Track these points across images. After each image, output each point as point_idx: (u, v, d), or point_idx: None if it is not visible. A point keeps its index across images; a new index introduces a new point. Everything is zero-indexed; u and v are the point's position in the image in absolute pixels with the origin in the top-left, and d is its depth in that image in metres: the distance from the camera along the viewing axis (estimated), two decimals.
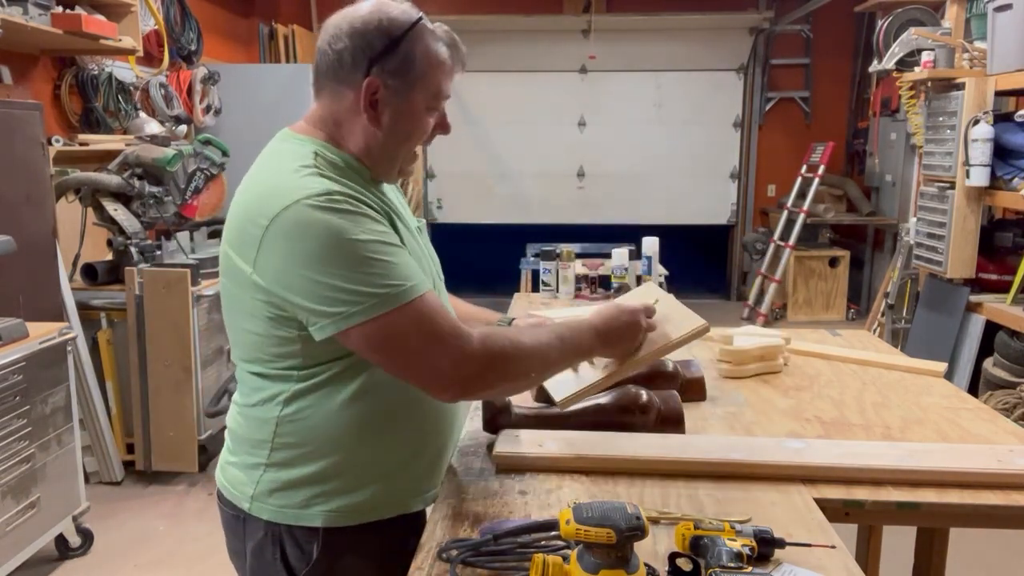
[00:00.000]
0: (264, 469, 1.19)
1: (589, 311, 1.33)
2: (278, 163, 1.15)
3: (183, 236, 3.74)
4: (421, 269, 1.18)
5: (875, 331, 4.68)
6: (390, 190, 1.29)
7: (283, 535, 1.20)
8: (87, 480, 3.17)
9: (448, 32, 1.20)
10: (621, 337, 1.30)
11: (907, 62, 4.02)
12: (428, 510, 1.23)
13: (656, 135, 7.19)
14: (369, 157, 1.19)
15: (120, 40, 3.69)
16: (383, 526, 1.21)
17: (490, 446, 1.35)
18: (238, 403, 1.25)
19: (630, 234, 4.14)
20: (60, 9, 3.36)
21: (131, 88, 4.36)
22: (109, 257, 3.56)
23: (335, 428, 1.16)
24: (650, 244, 2.83)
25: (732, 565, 0.94)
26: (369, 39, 1.14)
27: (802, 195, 6.35)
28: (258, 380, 1.19)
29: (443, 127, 1.24)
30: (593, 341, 1.26)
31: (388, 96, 1.15)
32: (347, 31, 1.14)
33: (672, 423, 1.42)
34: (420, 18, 1.16)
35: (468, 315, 1.49)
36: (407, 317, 1.07)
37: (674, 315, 1.39)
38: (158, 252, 3.50)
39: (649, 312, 1.34)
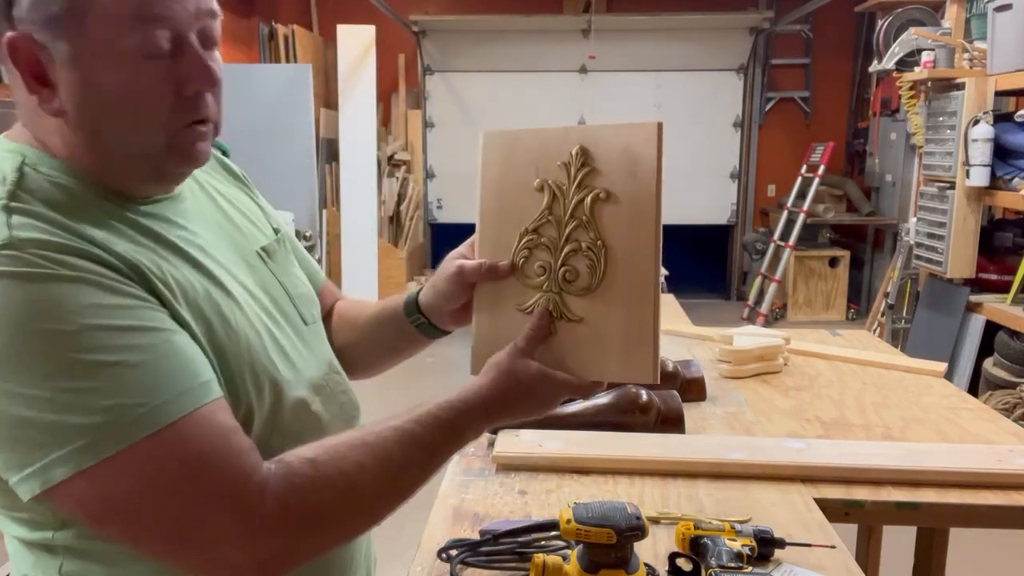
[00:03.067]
0: None
1: None
2: None
3: None
4: (234, 316, 0.78)
5: (875, 331, 4.68)
6: (198, 195, 0.87)
7: None
8: None
9: None
10: (528, 403, 0.86)
11: (907, 62, 4.02)
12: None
13: None
14: (92, 168, 0.74)
15: None
16: None
17: (490, 446, 1.35)
18: None
19: None
20: None
21: None
22: None
23: None
24: None
25: (732, 565, 0.94)
26: None
27: (802, 195, 6.35)
28: (17, 551, 0.77)
29: (194, 79, 0.74)
30: (477, 418, 0.83)
31: (53, 58, 0.69)
32: None
33: (672, 423, 1.42)
34: None
35: (363, 319, 1.07)
36: (144, 466, 0.65)
37: (618, 156, 0.85)
38: None
39: (531, 344, 0.86)
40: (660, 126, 0.83)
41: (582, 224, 0.87)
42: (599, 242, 0.86)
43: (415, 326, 1.00)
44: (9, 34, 0.67)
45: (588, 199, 0.86)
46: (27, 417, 0.64)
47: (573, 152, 0.87)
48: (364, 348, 1.06)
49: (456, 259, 0.94)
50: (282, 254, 0.95)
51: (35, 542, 0.74)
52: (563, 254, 0.88)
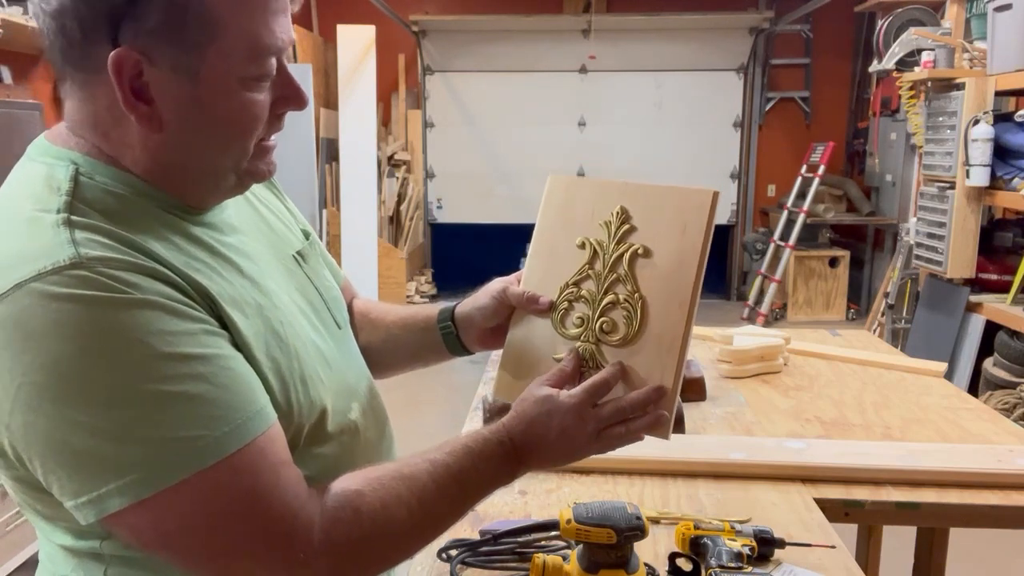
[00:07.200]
0: None
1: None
2: (8, 205, 0.71)
3: None
4: (283, 328, 0.78)
5: (875, 331, 4.68)
6: (238, 200, 0.85)
7: None
8: None
9: None
10: (546, 425, 0.84)
11: (907, 62, 4.02)
12: None
13: (656, 135, 7.18)
14: (165, 179, 0.74)
15: None
16: None
17: None
18: None
19: None
20: None
21: None
22: None
23: None
24: None
25: (732, 565, 0.94)
26: None
27: (802, 195, 6.34)
28: (55, 553, 0.76)
29: (290, 100, 0.78)
30: (502, 444, 0.83)
31: (162, 77, 0.69)
32: None
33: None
34: None
35: (390, 320, 1.08)
36: (197, 500, 0.66)
37: (661, 222, 0.89)
38: None
39: (559, 378, 0.88)
40: (716, 195, 0.87)
41: (620, 279, 0.90)
42: (636, 295, 0.89)
43: (442, 333, 1.02)
44: (117, 50, 0.66)
45: (627, 255, 0.90)
46: (87, 446, 0.63)
47: (614, 212, 0.91)
48: (388, 349, 1.06)
49: (504, 281, 0.99)
50: (313, 257, 0.95)
51: (80, 549, 0.73)
52: (601, 306, 0.91)
